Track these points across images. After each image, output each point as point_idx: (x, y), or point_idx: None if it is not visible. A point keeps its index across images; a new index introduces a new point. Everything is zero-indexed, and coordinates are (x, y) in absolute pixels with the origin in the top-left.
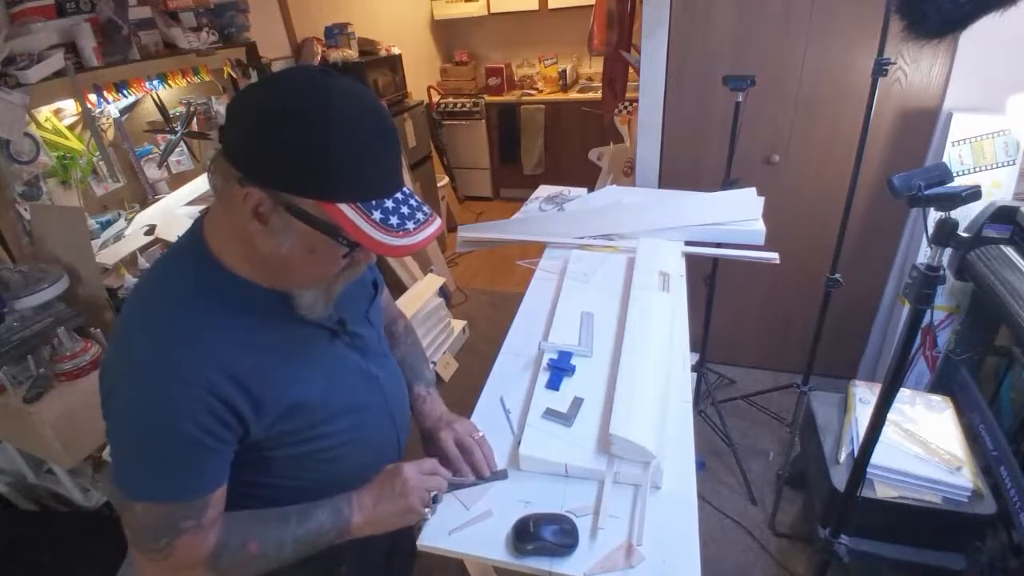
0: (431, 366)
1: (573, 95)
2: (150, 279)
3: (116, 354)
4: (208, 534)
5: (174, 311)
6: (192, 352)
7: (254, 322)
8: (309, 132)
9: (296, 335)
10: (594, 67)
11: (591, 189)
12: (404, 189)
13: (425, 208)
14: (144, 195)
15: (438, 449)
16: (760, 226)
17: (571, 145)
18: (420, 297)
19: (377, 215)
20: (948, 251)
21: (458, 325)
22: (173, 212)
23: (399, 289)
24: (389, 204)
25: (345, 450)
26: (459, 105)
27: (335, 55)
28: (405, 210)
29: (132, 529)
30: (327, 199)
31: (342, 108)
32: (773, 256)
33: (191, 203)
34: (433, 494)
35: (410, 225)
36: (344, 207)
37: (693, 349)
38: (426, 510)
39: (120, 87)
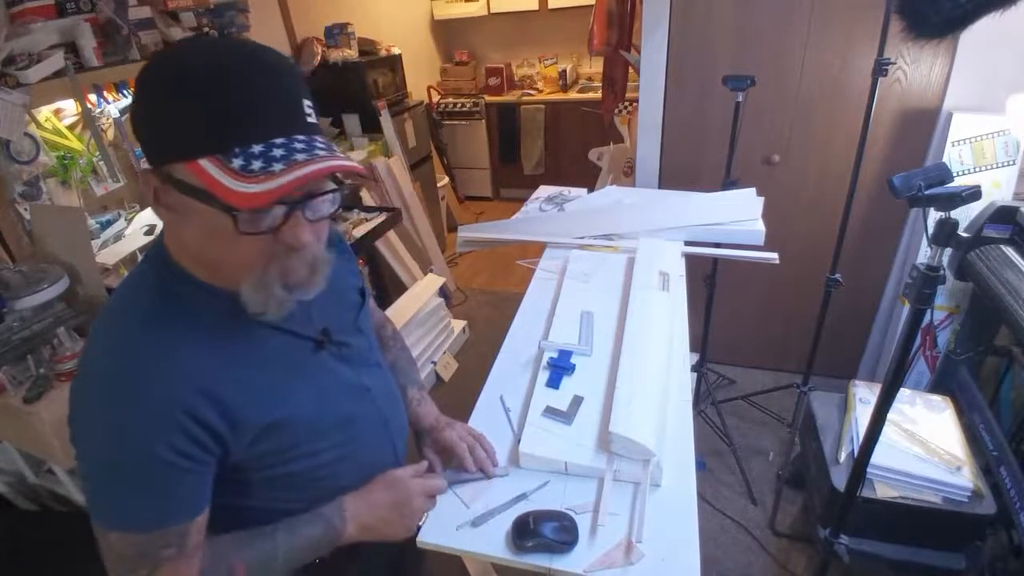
0: (432, 365)
1: (573, 95)
2: (116, 294)
3: (81, 375)
4: (192, 562)
5: (138, 326)
6: (159, 369)
7: (227, 333)
8: (161, 88)
9: (275, 347)
10: (594, 67)
11: (591, 189)
12: (299, 136)
13: (321, 147)
14: (144, 195)
15: (442, 445)
16: (760, 226)
17: (571, 145)
18: (420, 297)
19: (237, 162)
20: (948, 251)
21: (458, 325)
22: None
23: (399, 289)
24: (258, 148)
25: (338, 467)
26: (459, 105)
27: (335, 55)
28: (278, 152)
29: (109, 560)
30: (184, 157)
31: (185, 57)
32: (773, 256)
33: None
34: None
35: (277, 167)
36: (204, 163)
37: (693, 349)
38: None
39: (120, 87)
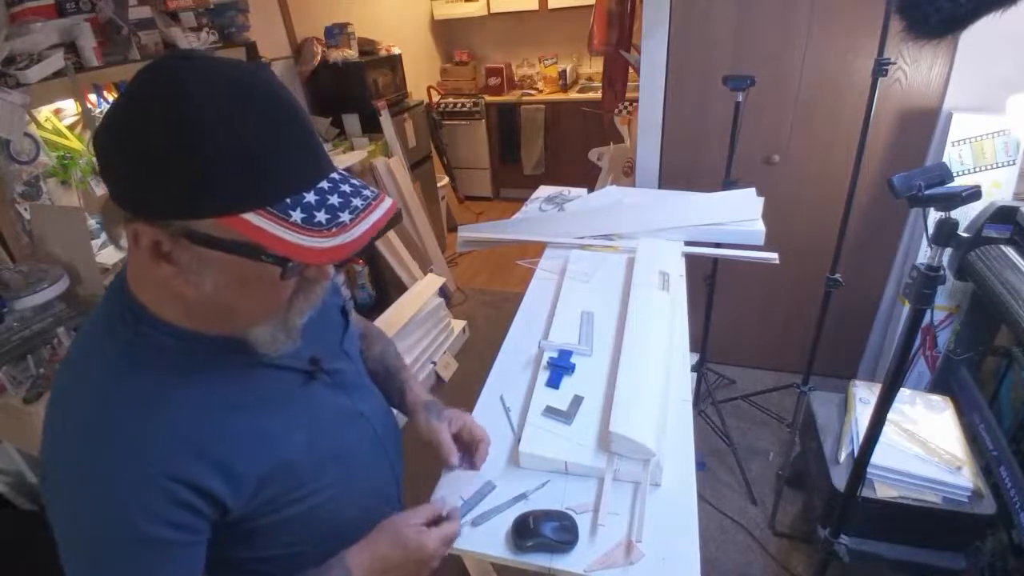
0: (432, 365)
1: (573, 95)
2: (80, 350)
3: (51, 447)
4: None
5: (112, 385)
6: (141, 433)
7: (211, 379)
8: (167, 137)
9: (264, 385)
10: (594, 67)
11: (591, 189)
12: (333, 175)
13: (366, 190)
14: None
15: (467, 432)
16: (760, 226)
17: (571, 145)
18: (420, 297)
19: (297, 215)
20: (948, 251)
21: (458, 325)
22: None
23: (399, 289)
24: (311, 198)
25: (340, 500)
26: (459, 105)
27: (335, 55)
28: (335, 200)
29: None
30: (226, 213)
31: (206, 96)
32: (773, 256)
33: None
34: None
35: (345, 217)
36: (252, 217)
37: (693, 349)
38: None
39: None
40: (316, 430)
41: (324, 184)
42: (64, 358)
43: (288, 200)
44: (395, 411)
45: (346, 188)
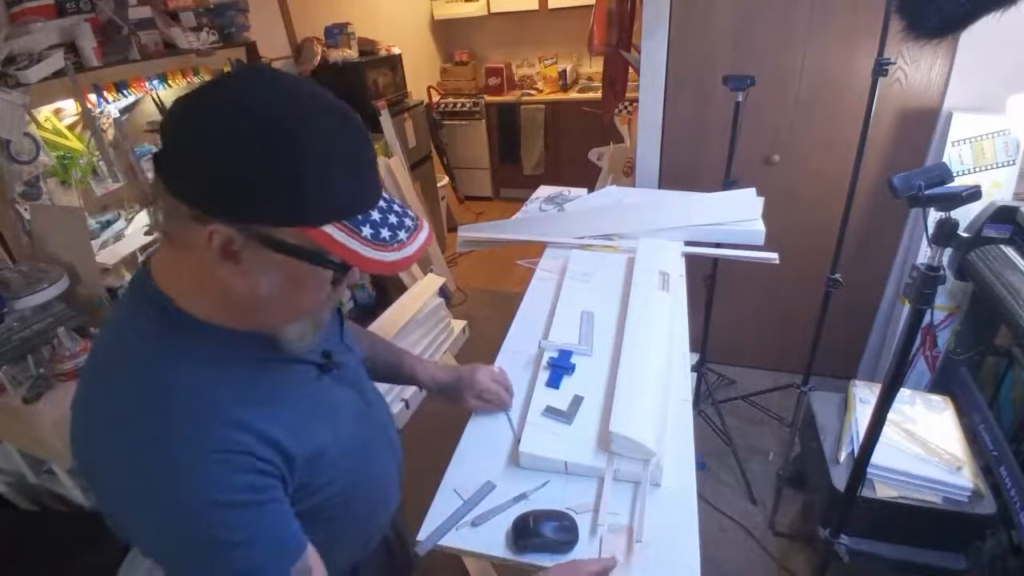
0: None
1: (573, 95)
2: (107, 353)
3: (105, 459)
4: None
5: (148, 384)
6: (194, 417)
7: (245, 373)
8: (278, 149)
9: (288, 380)
10: (594, 67)
11: (591, 189)
12: (384, 194)
13: (410, 212)
14: (144, 195)
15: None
16: (760, 226)
17: (571, 145)
18: (420, 297)
19: (367, 231)
20: (948, 251)
21: (458, 325)
22: None
23: (399, 289)
24: (376, 216)
25: (351, 494)
26: (459, 105)
27: (335, 55)
28: (393, 219)
29: None
30: (310, 224)
31: (310, 114)
32: (773, 256)
33: None
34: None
35: (402, 235)
36: (330, 229)
37: (693, 349)
38: None
39: (120, 87)
40: (334, 422)
41: (382, 203)
42: (90, 356)
43: (359, 216)
44: (394, 411)
45: (397, 208)
